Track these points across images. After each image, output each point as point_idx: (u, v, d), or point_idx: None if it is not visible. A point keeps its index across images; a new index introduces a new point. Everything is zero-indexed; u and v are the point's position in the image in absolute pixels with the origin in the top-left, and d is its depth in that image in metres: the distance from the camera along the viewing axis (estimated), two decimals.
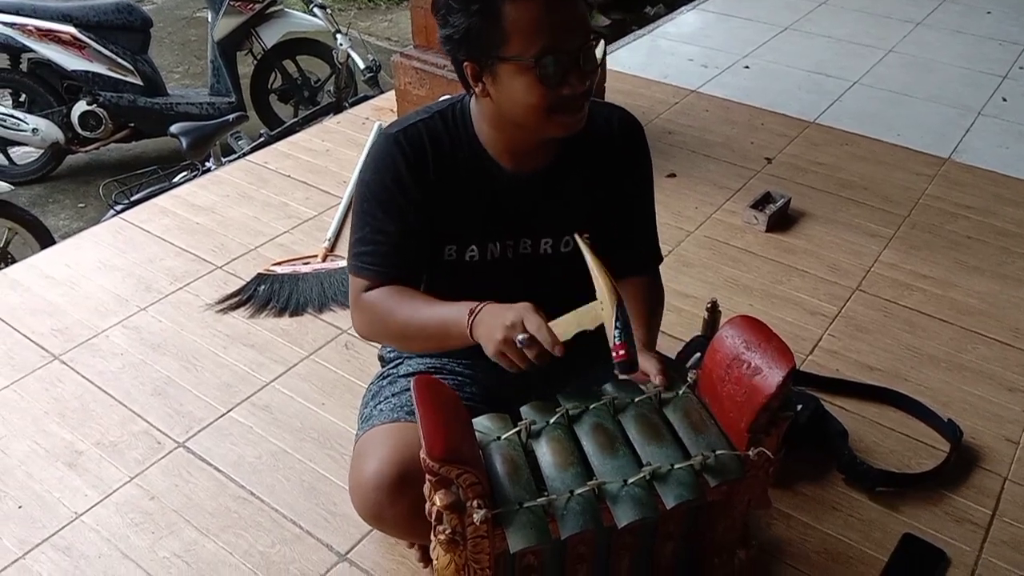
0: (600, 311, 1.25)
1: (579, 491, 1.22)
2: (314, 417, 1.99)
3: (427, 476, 1.21)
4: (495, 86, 1.31)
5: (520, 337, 1.23)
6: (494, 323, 1.28)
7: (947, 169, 3.13)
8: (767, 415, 1.27)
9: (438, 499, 1.18)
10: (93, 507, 1.77)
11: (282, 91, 4.63)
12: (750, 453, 1.28)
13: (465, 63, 1.31)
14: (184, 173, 3.61)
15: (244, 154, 3.58)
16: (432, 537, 1.28)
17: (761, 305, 2.39)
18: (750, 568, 1.50)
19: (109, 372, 2.11)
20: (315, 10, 4.01)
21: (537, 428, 1.32)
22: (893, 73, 3.91)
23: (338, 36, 3.90)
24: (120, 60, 4.21)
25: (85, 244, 2.63)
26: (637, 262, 1.60)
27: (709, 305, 2.17)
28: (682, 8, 4.79)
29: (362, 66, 3.87)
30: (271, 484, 1.82)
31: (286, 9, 4.54)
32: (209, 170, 3.52)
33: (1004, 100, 3.67)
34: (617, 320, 1.21)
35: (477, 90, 1.34)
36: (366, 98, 3.94)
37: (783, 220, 2.76)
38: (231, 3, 4.29)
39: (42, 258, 2.60)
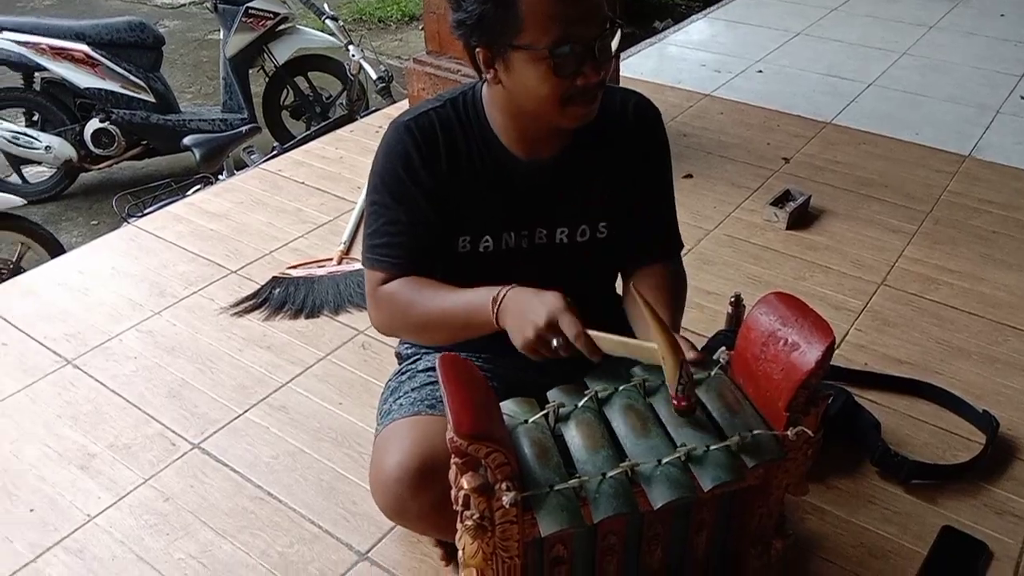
0: (659, 357, 1.20)
1: (611, 473, 1.17)
2: (332, 417, 1.94)
3: (453, 458, 1.17)
4: (507, 74, 1.27)
5: (557, 343, 1.21)
6: (525, 317, 1.24)
7: (967, 166, 3.09)
8: (806, 393, 1.22)
9: (465, 482, 1.13)
10: (106, 509, 1.72)
11: (294, 107, 4.63)
12: (789, 433, 1.22)
13: (477, 49, 1.28)
14: (197, 187, 3.59)
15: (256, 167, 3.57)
16: (458, 525, 1.23)
17: None
18: (786, 559, 1.44)
19: (122, 375, 2.07)
20: (327, 22, 4.01)
21: (566, 411, 1.28)
22: (908, 75, 3.89)
23: (350, 48, 3.90)
24: (132, 78, 4.22)
25: (98, 251, 2.61)
26: (657, 249, 1.55)
27: (733, 299, 2.13)
28: (692, 17, 4.78)
29: (374, 76, 3.86)
30: (288, 484, 1.77)
31: (298, 26, 4.55)
32: None
33: (1022, 98, 3.63)
34: (681, 378, 1.18)
35: (489, 77, 1.31)
36: (379, 111, 3.93)
37: (803, 217, 2.72)
38: (243, 20, 4.30)
39: (55, 265, 2.58)
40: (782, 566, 1.44)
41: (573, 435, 1.24)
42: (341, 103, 4.29)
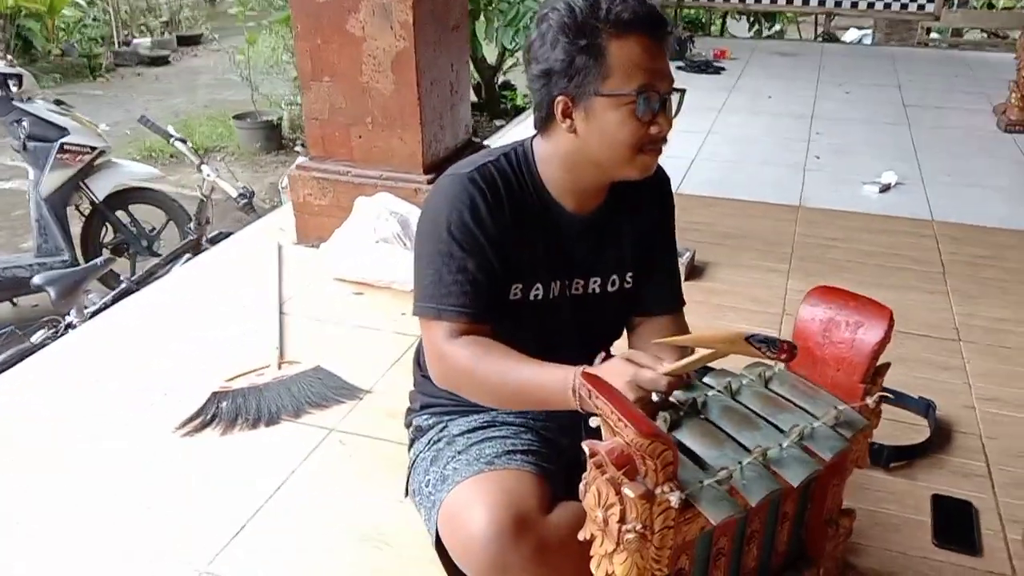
0: (726, 352, 1.29)
1: (747, 460, 1.24)
2: (344, 515, 1.84)
3: (608, 473, 1.18)
4: (587, 121, 1.35)
5: (657, 397, 1.28)
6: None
7: (803, 214, 3.56)
8: (875, 364, 1.38)
9: (631, 491, 1.15)
10: None
11: (116, 244, 4.38)
12: (868, 401, 1.37)
13: (560, 98, 1.35)
14: (43, 331, 3.29)
15: (107, 305, 3.33)
16: (599, 549, 1.23)
17: None
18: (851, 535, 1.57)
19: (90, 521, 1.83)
20: (176, 144, 3.88)
21: (674, 418, 1.34)
22: (720, 148, 4.43)
23: (203, 168, 3.78)
24: None
25: None
26: (668, 302, 1.65)
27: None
28: (514, 121, 5.15)
29: (234, 194, 3.77)
30: None
31: (114, 159, 4.37)
32: (71, 324, 3.24)
33: (817, 158, 4.26)
34: (760, 344, 1.26)
35: (564, 126, 1.38)
36: (225, 234, 3.80)
37: (695, 270, 2.99)
38: (58, 156, 4.07)
39: None
40: (847, 543, 1.56)
41: (690, 437, 1.30)
42: (187, 229, 4.07)
